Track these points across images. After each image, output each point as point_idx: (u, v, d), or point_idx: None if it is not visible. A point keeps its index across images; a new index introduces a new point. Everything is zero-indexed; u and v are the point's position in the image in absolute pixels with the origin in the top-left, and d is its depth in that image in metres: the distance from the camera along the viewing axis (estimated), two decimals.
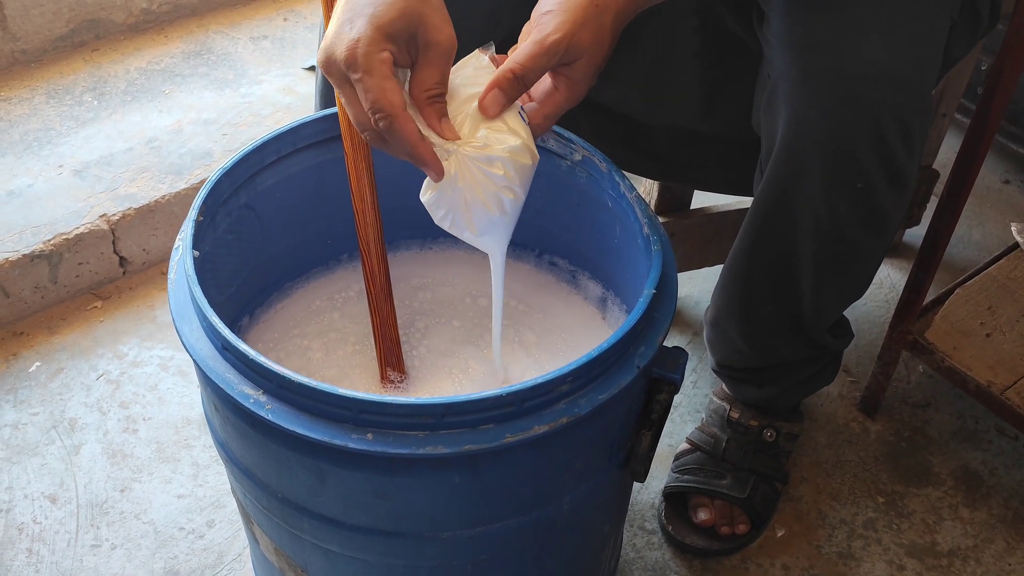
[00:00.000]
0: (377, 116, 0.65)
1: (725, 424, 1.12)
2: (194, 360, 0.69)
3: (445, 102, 0.68)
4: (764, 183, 0.88)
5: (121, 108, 1.53)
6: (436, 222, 0.73)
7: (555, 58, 0.67)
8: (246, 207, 0.85)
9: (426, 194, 0.71)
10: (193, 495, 1.13)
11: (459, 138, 0.68)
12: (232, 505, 1.12)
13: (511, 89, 0.68)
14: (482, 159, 0.68)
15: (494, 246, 0.76)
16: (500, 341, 0.84)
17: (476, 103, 0.68)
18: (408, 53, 0.67)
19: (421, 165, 0.68)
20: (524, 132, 0.69)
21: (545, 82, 0.72)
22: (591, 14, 0.68)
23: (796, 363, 1.04)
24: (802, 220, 0.87)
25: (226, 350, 0.67)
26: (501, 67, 0.68)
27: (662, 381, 0.74)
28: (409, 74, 0.68)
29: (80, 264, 1.34)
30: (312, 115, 0.87)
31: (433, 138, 0.68)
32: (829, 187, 0.84)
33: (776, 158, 0.85)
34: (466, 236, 0.73)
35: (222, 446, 0.77)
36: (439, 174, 0.68)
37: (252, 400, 0.65)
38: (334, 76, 0.67)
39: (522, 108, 0.70)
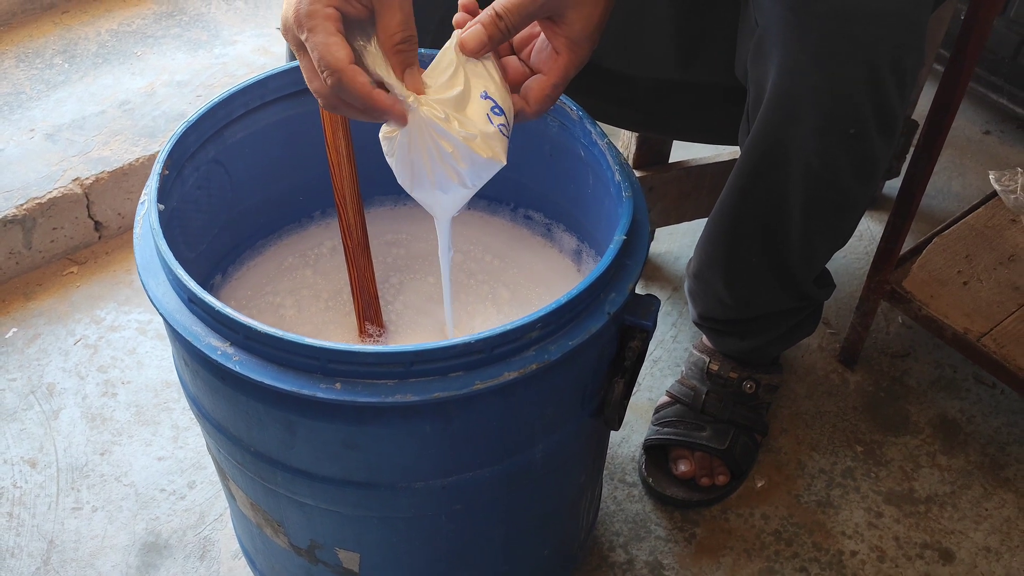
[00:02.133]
0: (324, 74, 0.63)
1: (705, 376, 1.12)
2: (161, 314, 0.68)
3: (414, 48, 0.66)
4: (754, 132, 0.87)
5: (92, 71, 1.51)
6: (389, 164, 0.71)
7: (537, 4, 0.66)
8: (214, 162, 0.84)
9: (383, 135, 0.69)
10: (173, 457, 1.13)
11: (422, 92, 0.66)
12: (212, 466, 1.12)
13: (492, 26, 0.66)
14: (437, 128, 0.65)
15: (436, 211, 0.74)
16: (451, 310, 0.83)
17: (456, 86, 0.66)
18: (360, 2, 0.65)
19: (380, 116, 0.65)
20: (491, 128, 0.66)
21: (547, 50, 0.70)
22: None
23: (779, 314, 1.04)
24: (793, 168, 0.86)
25: (192, 303, 0.67)
26: (485, 9, 0.67)
27: (634, 328, 0.74)
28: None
29: (55, 229, 1.32)
30: (280, 67, 0.85)
31: (397, 89, 0.66)
32: (822, 133, 0.83)
33: (767, 105, 0.83)
34: (413, 193, 0.71)
35: (194, 402, 0.76)
36: (402, 119, 0.66)
37: (219, 352, 0.65)
38: (291, 41, 0.66)
39: (497, 109, 0.67)
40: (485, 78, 0.67)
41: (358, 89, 0.63)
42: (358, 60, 0.65)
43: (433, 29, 0.87)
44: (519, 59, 0.71)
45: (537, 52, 0.71)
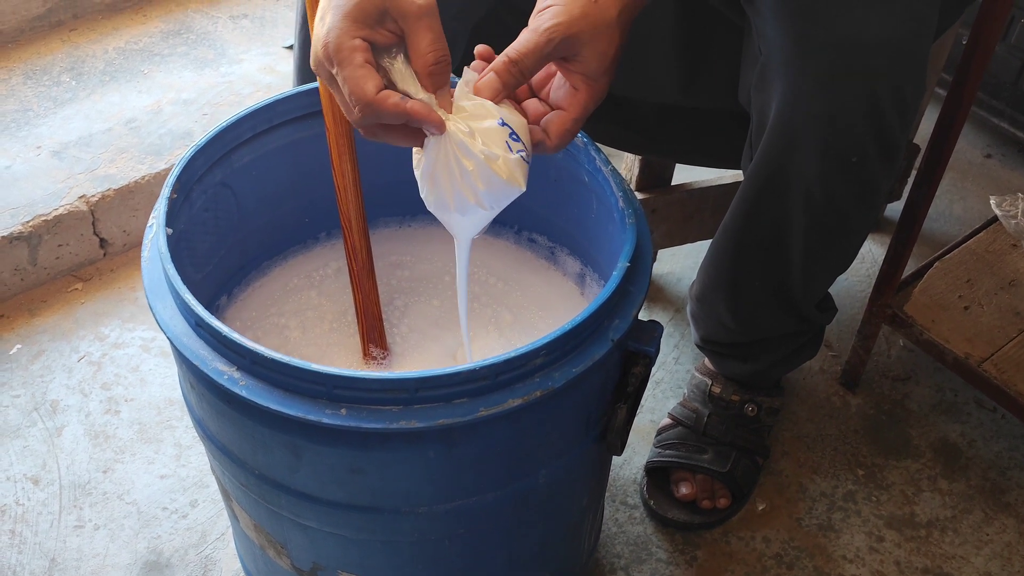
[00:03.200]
0: (356, 108, 0.64)
1: (707, 399, 1.12)
2: (168, 338, 0.69)
3: (447, 69, 0.66)
4: (757, 158, 0.87)
5: (99, 88, 1.52)
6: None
7: (551, 45, 0.66)
8: (222, 184, 0.84)
9: (416, 160, 0.70)
10: (176, 475, 1.13)
11: (451, 112, 0.66)
12: (215, 485, 1.12)
13: (506, 72, 0.66)
14: (461, 145, 0.66)
15: (455, 231, 0.74)
16: (468, 335, 0.83)
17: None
18: (388, 30, 0.65)
19: (419, 122, 0.65)
20: (512, 154, 0.67)
21: (565, 87, 0.70)
22: (590, 9, 0.67)
23: (781, 338, 1.04)
24: (795, 194, 0.87)
25: (200, 327, 0.67)
26: (499, 55, 0.67)
27: (637, 354, 0.74)
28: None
29: (60, 246, 1.33)
30: (288, 91, 0.86)
31: (427, 101, 0.66)
32: (823, 160, 0.83)
33: (770, 133, 0.84)
34: (436, 213, 0.72)
35: (199, 424, 0.77)
36: (440, 125, 0.65)
37: (226, 377, 0.65)
38: (323, 76, 0.66)
39: (514, 135, 0.67)
40: (503, 110, 0.67)
41: (391, 109, 0.64)
42: (387, 81, 0.65)
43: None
44: (539, 99, 0.72)
45: (555, 89, 0.71)
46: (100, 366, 1.25)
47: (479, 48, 0.70)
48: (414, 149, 0.70)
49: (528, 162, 0.68)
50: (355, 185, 0.81)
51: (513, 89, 0.68)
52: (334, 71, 0.64)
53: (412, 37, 0.65)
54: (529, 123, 0.70)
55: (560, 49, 0.67)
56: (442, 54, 0.65)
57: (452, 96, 0.67)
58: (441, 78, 0.66)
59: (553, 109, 0.71)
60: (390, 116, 0.64)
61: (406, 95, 0.65)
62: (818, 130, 0.82)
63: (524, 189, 0.68)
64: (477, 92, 0.67)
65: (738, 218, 0.94)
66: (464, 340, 0.81)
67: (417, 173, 0.70)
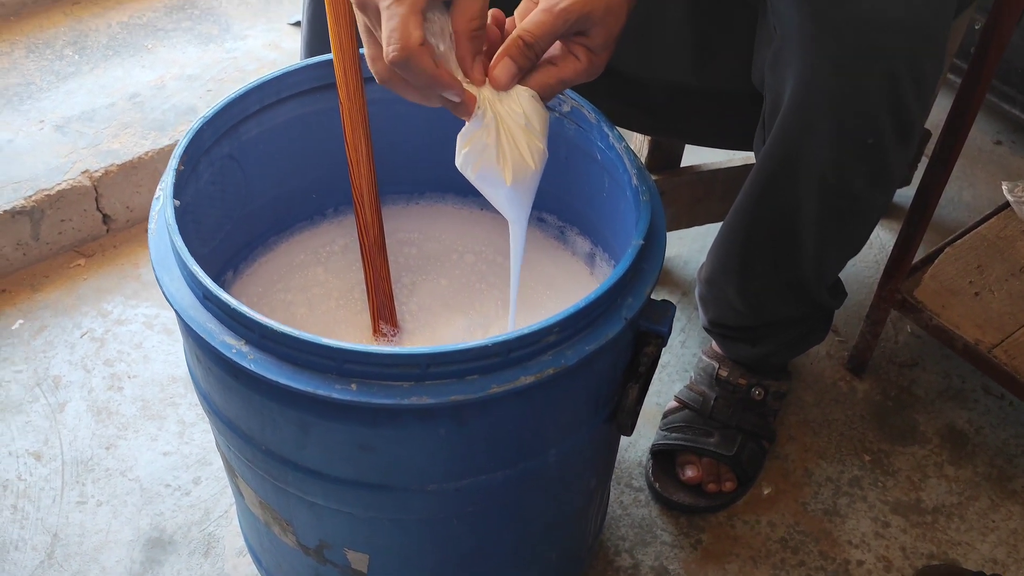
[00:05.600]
0: (392, 47, 0.62)
1: (714, 382, 1.11)
2: (175, 310, 0.68)
3: (484, 39, 0.66)
4: (770, 140, 0.86)
5: (103, 63, 1.50)
6: (471, 180, 0.70)
7: (566, 25, 0.65)
8: (229, 158, 0.83)
9: (461, 151, 0.68)
10: (179, 452, 1.13)
11: (484, 83, 0.66)
12: (218, 463, 1.12)
13: (521, 57, 0.65)
14: (508, 107, 0.65)
15: (518, 208, 0.72)
16: (515, 312, 0.82)
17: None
18: None
19: (442, 90, 0.64)
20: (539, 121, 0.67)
21: (561, 50, 0.69)
22: None
23: (790, 322, 1.04)
24: (808, 177, 0.85)
25: (207, 300, 0.66)
26: (510, 35, 0.66)
27: (649, 334, 0.73)
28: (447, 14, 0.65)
29: (63, 221, 1.32)
30: (296, 64, 0.85)
31: (459, 76, 0.65)
32: (839, 142, 0.82)
33: (784, 114, 0.83)
34: (499, 192, 0.70)
35: (205, 398, 0.76)
36: (470, 102, 0.65)
37: (234, 350, 0.65)
38: (369, 10, 0.64)
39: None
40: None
41: (424, 67, 0.62)
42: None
43: None
44: None
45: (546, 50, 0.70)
46: (103, 342, 1.24)
47: (493, 11, 0.68)
48: (460, 137, 0.68)
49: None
50: (368, 159, 0.80)
51: (526, 73, 0.67)
52: (386, 3, 0.62)
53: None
54: None
55: (572, 28, 0.66)
56: (484, 22, 0.65)
57: (485, 67, 0.66)
58: (477, 43, 0.65)
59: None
60: (419, 73, 0.63)
61: (436, 50, 0.64)
62: (834, 111, 0.81)
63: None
64: (493, 81, 0.66)
65: (750, 200, 0.93)
66: (511, 320, 0.81)
67: (464, 157, 0.68)
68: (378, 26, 0.64)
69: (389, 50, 0.62)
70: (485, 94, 0.66)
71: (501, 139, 0.67)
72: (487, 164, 0.68)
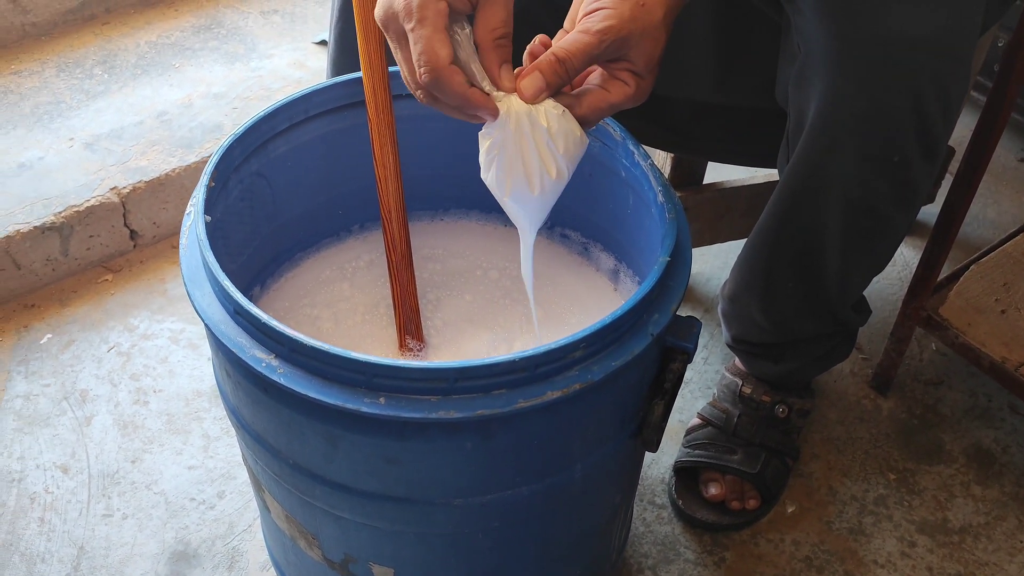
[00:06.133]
0: (422, 70, 0.64)
1: (737, 399, 1.11)
2: (206, 325, 0.69)
3: (510, 46, 0.66)
4: (795, 158, 0.86)
5: (131, 82, 1.52)
6: (484, 180, 0.71)
7: (601, 47, 0.65)
8: (258, 175, 0.85)
9: (483, 146, 0.69)
10: (204, 466, 1.13)
11: (515, 91, 0.66)
12: (242, 476, 1.12)
13: (551, 72, 0.65)
14: (530, 116, 0.65)
15: (524, 220, 0.73)
16: (537, 318, 0.83)
17: None
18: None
19: (475, 110, 0.65)
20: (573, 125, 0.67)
21: (606, 76, 0.69)
22: (638, 12, 0.66)
23: (814, 339, 1.03)
24: (833, 195, 0.85)
25: (238, 314, 0.67)
26: (545, 52, 0.67)
27: (675, 350, 0.74)
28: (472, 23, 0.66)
29: (91, 237, 1.34)
30: (324, 82, 0.86)
31: (487, 87, 0.66)
32: (864, 161, 0.82)
33: (809, 132, 0.83)
34: (505, 202, 0.71)
35: (234, 412, 0.77)
36: (494, 112, 0.65)
37: (264, 364, 0.65)
38: (392, 30, 0.65)
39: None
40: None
41: (455, 89, 0.64)
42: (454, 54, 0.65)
43: None
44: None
45: (595, 76, 0.70)
46: (129, 357, 1.25)
47: (539, 37, 0.69)
48: (480, 137, 0.69)
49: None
50: (396, 176, 0.81)
51: (556, 90, 0.67)
52: (410, 26, 0.63)
53: (486, 7, 0.64)
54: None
55: (609, 51, 0.66)
56: (509, 31, 0.65)
57: (513, 75, 0.66)
58: (505, 52, 0.65)
59: None
60: (450, 96, 0.64)
61: (468, 71, 0.65)
62: (859, 130, 0.81)
63: (586, 140, 0.68)
64: (519, 92, 0.66)
65: (773, 218, 0.93)
66: (535, 329, 0.82)
67: (485, 160, 0.69)
68: (404, 46, 0.65)
69: (421, 72, 0.63)
70: (513, 103, 0.66)
71: (510, 151, 0.67)
72: (497, 169, 0.68)
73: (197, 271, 0.72)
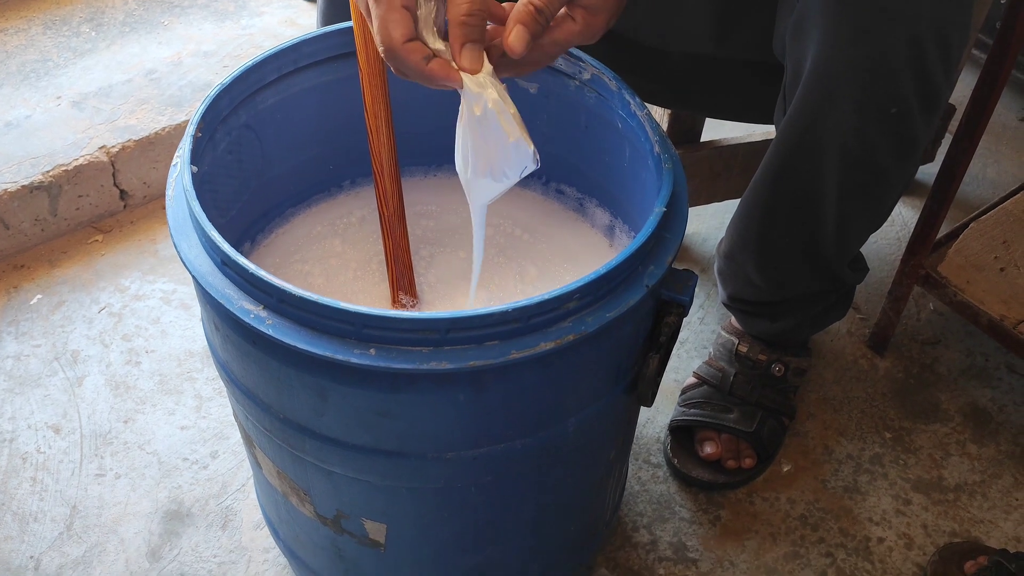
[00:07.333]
0: (380, 48, 0.63)
1: (733, 358, 1.10)
2: (193, 277, 0.68)
3: (481, 26, 0.63)
4: (791, 111, 0.85)
5: (119, 39, 1.50)
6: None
7: None
8: (246, 127, 0.83)
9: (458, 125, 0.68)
10: (196, 427, 1.13)
11: (476, 72, 0.63)
12: (236, 437, 1.12)
13: (533, 24, 0.64)
14: (496, 103, 0.64)
15: (468, 194, 0.72)
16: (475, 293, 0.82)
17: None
18: None
19: (436, 83, 0.64)
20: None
21: (560, 14, 0.67)
22: None
23: (810, 297, 1.02)
24: (830, 148, 0.84)
25: (226, 265, 0.66)
26: (519, 3, 0.65)
27: (671, 303, 0.72)
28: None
29: (80, 196, 1.32)
30: (314, 32, 0.84)
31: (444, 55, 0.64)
32: (861, 112, 0.80)
33: (806, 83, 0.81)
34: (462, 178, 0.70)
35: (223, 367, 0.76)
36: (458, 83, 0.64)
37: (252, 315, 0.64)
38: (361, 4, 0.64)
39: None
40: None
41: (412, 66, 0.62)
42: (417, 28, 0.63)
43: None
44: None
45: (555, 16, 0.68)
46: (121, 317, 1.24)
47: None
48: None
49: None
50: (388, 128, 0.79)
51: (539, 37, 0.65)
52: (371, 2, 0.62)
53: None
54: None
55: None
56: (479, 8, 0.62)
57: (483, 55, 0.64)
58: (471, 31, 0.63)
59: None
60: (408, 71, 0.63)
61: (426, 44, 0.63)
62: (857, 79, 0.79)
63: (535, 152, 0.67)
64: (510, 49, 0.64)
65: (770, 173, 0.91)
66: (471, 292, 0.80)
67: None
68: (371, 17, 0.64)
69: (381, 50, 0.63)
70: (468, 84, 0.63)
71: (464, 127, 0.65)
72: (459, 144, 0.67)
73: (184, 222, 0.71)
